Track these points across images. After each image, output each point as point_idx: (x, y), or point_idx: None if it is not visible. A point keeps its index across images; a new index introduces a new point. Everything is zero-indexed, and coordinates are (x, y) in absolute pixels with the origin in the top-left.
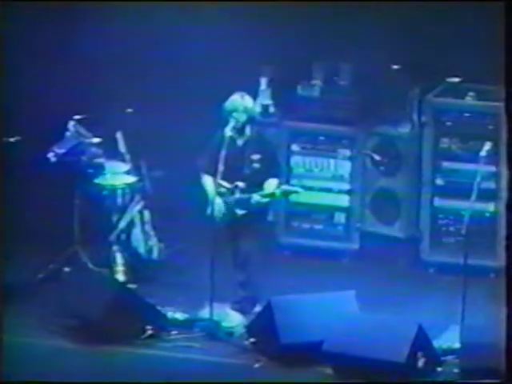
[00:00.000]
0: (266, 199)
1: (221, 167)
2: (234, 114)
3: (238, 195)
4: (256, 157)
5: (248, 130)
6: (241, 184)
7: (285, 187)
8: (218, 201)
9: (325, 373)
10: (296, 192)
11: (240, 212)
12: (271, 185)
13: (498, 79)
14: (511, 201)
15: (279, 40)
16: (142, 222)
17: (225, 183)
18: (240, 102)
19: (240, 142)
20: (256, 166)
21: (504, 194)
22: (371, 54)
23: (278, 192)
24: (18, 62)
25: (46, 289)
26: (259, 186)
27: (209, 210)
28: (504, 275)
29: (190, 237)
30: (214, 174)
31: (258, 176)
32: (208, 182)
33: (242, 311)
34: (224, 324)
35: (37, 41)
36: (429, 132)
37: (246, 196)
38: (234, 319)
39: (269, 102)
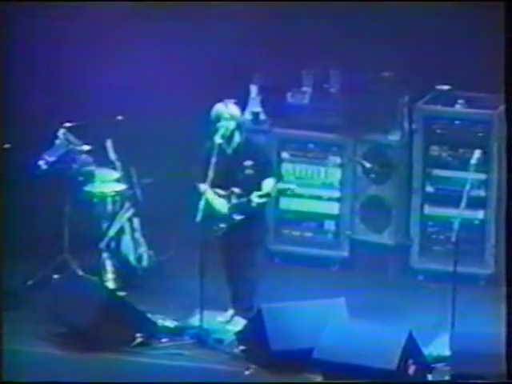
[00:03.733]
0: (264, 199)
1: (212, 175)
2: (222, 122)
3: (234, 200)
4: (248, 163)
5: (237, 138)
6: (236, 190)
7: (280, 185)
8: (222, 202)
9: (315, 380)
10: (289, 189)
11: (237, 217)
12: (269, 184)
13: (488, 86)
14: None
15: (269, 47)
16: (132, 230)
17: (220, 191)
18: (224, 109)
19: (229, 150)
20: (249, 172)
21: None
22: (361, 61)
23: (273, 191)
24: (8, 69)
25: (36, 296)
26: (255, 191)
27: (198, 217)
28: (494, 282)
29: (179, 244)
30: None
31: (252, 181)
32: (207, 190)
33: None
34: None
35: (27, 47)
36: (419, 139)
37: (243, 200)
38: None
39: (259, 109)
